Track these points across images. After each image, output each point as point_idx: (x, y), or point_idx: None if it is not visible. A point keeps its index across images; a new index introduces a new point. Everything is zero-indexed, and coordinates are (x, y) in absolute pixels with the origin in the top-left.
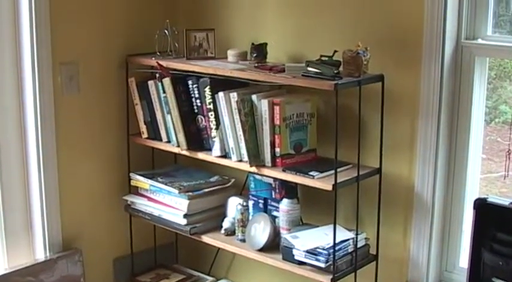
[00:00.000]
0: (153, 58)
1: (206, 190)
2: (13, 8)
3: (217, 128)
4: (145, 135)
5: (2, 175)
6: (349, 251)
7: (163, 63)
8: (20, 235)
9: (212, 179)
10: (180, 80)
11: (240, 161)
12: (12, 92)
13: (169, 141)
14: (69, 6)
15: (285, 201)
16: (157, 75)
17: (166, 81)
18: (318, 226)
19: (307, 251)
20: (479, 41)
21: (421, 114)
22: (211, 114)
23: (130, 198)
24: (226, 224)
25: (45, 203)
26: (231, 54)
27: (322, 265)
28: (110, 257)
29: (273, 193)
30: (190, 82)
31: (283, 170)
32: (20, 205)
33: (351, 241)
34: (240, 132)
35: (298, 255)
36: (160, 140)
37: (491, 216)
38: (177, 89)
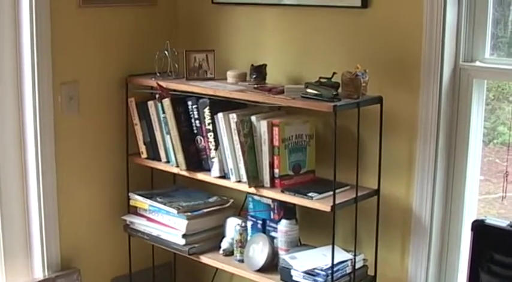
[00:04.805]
0: (153, 79)
1: (205, 210)
2: (14, 28)
3: (216, 149)
4: (144, 155)
5: (1, 194)
6: (347, 272)
7: (163, 83)
8: (19, 254)
9: (211, 200)
10: (179, 101)
11: (239, 181)
12: (13, 112)
13: (168, 162)
14: (70, 26)
15: (284, 222)
16: (157, 95)
17: (166, 101)
18: (316, 247)
19: (306, 272)
20: (477, 63)
21: (419, 135)
22: (211, 135)
23: (129, 218)
24: (224, 244)
25: (44, 222)
26: (230, 75)
27: None
28: (108, 277)
29: (272, 214)
30: (189, 103)
31: (282, 191)
32: (18, 224)
33: (349, 262)
34: (239, 153)
35: (297, 276)
36: (160, 160)
37: (489, 238)
38: (176, 110)
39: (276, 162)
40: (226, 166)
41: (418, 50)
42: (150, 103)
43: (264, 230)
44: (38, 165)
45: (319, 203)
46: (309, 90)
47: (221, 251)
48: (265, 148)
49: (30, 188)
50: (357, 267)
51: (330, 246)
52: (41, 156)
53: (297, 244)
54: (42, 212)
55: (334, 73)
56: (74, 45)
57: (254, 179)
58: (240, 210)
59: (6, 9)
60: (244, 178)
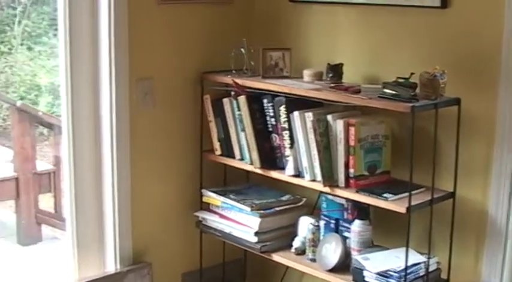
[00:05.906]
0: (229, 76)
1: (278, 209)
2: (92, 25)
3: (291, 147)
4: (218, 152)
5: (77, 187)
6: (421, 274)
7: (239, 81)
8: (92, 247)
9: (284, 198)
10: (255, 99)
11: (313, 180)
12: (89, 107)
13: (242, 159)
14: (148, 23)
15: (357, 222)
16: (232, 93)
17: (242, 99)
18: (388, 248)
19: (379, 273)
20: None
21: (497, 138)
22: (286, 133)
23: (202, 215)
24: (296, 243)
25: (117, 215)
26: (306, 74)
27: None
28: (178, 272)
29: (345, 214)
30: (265, 101)
31: (357, 191)
32: (92, 218)
33: (422, 265)
34: (314, 152)
35: (369, 277)
36: (233, 157)
37: None
38: (252, 107)
39: (351, 162)
40: (301, 165)
41: (498, 52)
42: (225, 100)
43: (336, 230)
44: (113, 159)
45: (394, 204)
46: (386, 90)
47: (293, 250)
48: (341, 148)
49: (105, 181)
50: (430, 270)
51: (403, 248)
52: (116, 151)
53: (370, 245)
54: (116, 206)
55: (412, 73)
56: (151, 42)
57: (329, 178)
58: (313, 209)
59: (85, 6)
60: (319, 177)
